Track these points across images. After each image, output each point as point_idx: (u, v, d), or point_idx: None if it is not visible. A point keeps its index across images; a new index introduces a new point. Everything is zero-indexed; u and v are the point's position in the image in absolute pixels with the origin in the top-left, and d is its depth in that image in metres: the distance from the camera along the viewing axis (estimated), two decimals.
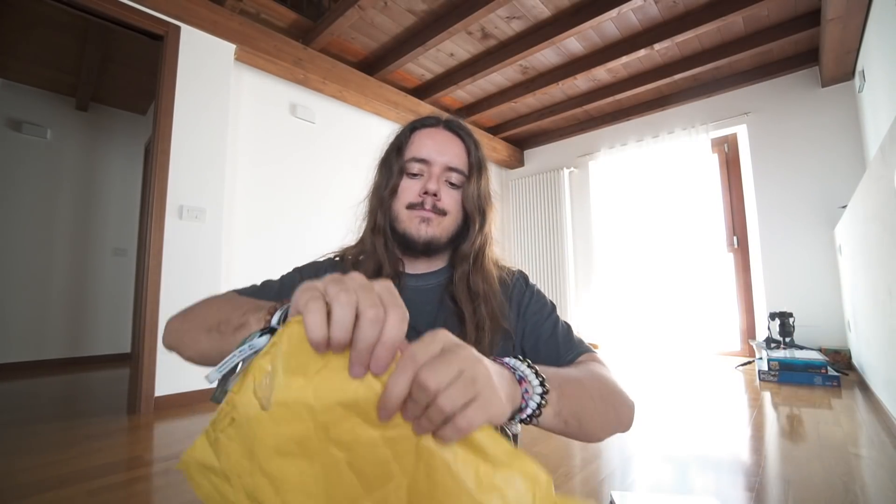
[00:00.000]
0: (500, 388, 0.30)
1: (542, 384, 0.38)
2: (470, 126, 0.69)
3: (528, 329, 0.63)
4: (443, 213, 0.61)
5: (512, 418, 0.37)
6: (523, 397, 0.36)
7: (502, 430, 0.41)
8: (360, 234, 0.68)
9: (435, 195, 0.61)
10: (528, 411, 0.37)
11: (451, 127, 0.65)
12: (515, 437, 0.44)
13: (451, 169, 0.62)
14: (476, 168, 0.64)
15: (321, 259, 0.70)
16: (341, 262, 0.68)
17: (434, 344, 0.28)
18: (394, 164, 0.64)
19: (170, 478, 1.35)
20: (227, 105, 2.46)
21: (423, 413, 0.27)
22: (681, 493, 1.20)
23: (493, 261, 0.67)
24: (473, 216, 0.63)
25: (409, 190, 0.62)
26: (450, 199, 0.62)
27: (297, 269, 0.68)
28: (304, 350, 0.28)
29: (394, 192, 0.63)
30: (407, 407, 0.27)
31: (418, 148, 0.63)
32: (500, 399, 0.30)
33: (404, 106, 3.44)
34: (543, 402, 0.37)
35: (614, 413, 0.49)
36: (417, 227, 0.60)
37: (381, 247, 0.63)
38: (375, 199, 0.66)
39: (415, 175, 0.62)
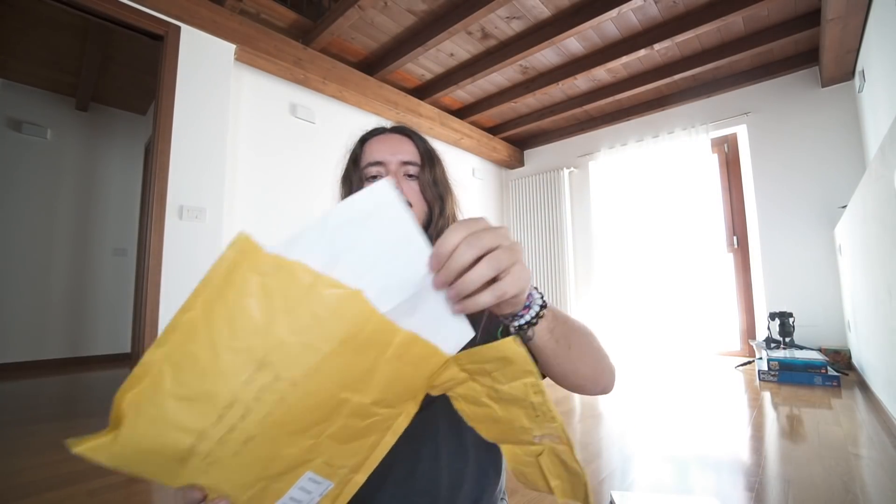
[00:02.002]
0: None
1: (542, 299, 0.42)
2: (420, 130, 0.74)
3: None
4: (408, 203, 0.64)
5: (514, 319, 0.41)
6: (527, 305, 0.41)
7: (507, 330, 0.44)
8: None
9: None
10: (527, 317, 0.41)
11: (397, 130, 0.70)
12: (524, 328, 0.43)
13: (406, 163, 0.66)
14: (427, 159, 0.68)
15: None
16: None
17: (481, 220, 0.35)
18: (353, 175, 0.68)
19: None
20: (227, 105, 2.46)
21: (459, 275, 0.33)
22: (681, 493, 1.20)
23: None
24: (433, 203, 0.67)
25: None
26: (411, 191, 0.66)
27: None
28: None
29: None
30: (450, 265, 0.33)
31: (371, 154, 0.67)
32: (528, 272, 0.36)
33: (404, 106, 3.44)
34: (541, 313, 0.42)
35: (598, 357, 0.53)
36: None
37: None
38: None
39: (374, 178, 0.66)
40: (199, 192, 2.30)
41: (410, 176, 0.66)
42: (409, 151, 0.67)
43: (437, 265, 0.34)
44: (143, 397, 0.28)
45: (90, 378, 3.02)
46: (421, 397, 0.37)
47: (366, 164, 0.66)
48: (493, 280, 0.34)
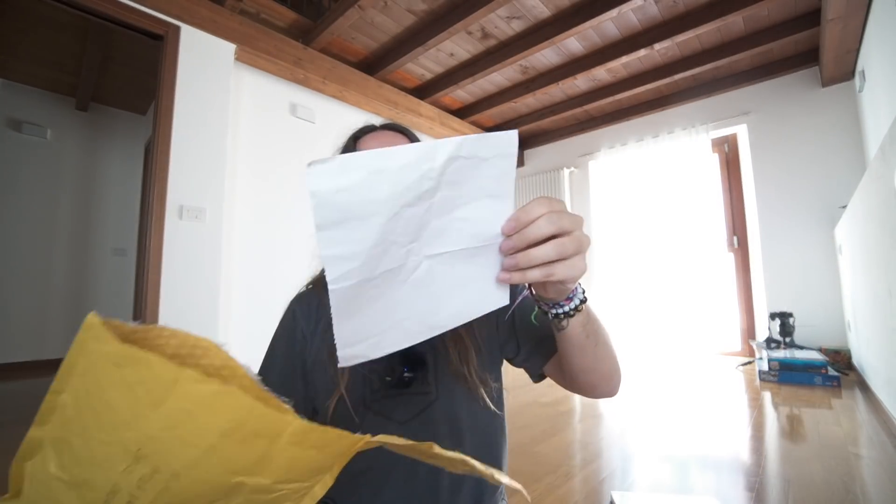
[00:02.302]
0: None
1: (584, 294, 0.44)
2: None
3: (517, 314, 0.62)
4: None
5: (553, 306, 0.43)
6: (569, 297, 0.42)
7: (541, 313, 0.46)
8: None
9: None
10: (567, 308, 0.43)
11: (389, 127, 0.69)
12: (562, 315, 0.44)
13: None
14: None
15: (303, 290, 0.68)
16: (314, 291, 0.67)
17: (561, 201, 0.36)
18: None
19: None
20: (227, 105, 2.46)
21: (528, 247, 0.35)
22: (681, 493, 1.20)
23: None
24: None
25: None
26: None
27: (290, 309, 0.67)
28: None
29: None
30: (522, 236, 0.35)
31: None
32: (585, 266, 0.37)
33: (404, 106, 3.44)
34: (580, 307, 0.43)
35: (614, 359, 0.53)
36: None
37: None
38: None
39: None
40: (199, 192, 2.30)
41: None
42: None
43: (512, 230, 0.36)
44: (35, 472, 0.28)
45: None
46: (337, 470, 0.33)
47: None
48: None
